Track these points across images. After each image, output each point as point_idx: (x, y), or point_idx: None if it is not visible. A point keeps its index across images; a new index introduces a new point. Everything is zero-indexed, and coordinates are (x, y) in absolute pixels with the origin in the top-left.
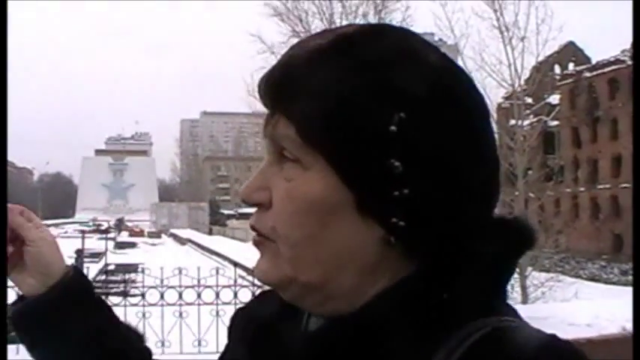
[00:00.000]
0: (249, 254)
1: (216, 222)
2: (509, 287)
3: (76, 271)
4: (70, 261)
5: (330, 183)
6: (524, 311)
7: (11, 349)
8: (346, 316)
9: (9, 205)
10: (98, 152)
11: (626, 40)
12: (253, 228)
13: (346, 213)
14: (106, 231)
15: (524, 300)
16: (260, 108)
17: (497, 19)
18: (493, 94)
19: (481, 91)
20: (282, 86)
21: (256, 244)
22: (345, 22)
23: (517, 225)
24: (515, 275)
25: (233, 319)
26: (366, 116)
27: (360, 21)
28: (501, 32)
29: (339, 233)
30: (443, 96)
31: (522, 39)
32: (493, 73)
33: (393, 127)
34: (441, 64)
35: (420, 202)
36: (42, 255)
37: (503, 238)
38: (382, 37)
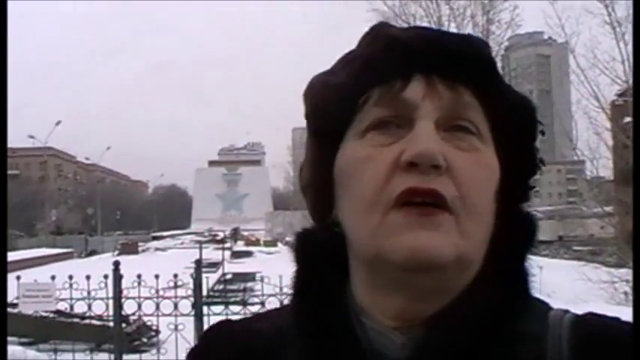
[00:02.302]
0: None
1: None
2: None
3: None
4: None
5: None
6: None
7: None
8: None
9: None
10: (211, 163)
11: None
12: (435, 192)
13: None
14: (222, 241)
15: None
16: None
17: (609, 15)
18: (607, 92)
19: (594, 88)
20: (482, 62)
21: (426, 214)
22: (453, 24)
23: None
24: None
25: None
26: (535, 124)
27: (468, 23)
28: (613, 28)
29: (493, 211)
30: None
31: None
32: (606, 70)
33: (541, 134)
34: None
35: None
36: None
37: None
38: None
